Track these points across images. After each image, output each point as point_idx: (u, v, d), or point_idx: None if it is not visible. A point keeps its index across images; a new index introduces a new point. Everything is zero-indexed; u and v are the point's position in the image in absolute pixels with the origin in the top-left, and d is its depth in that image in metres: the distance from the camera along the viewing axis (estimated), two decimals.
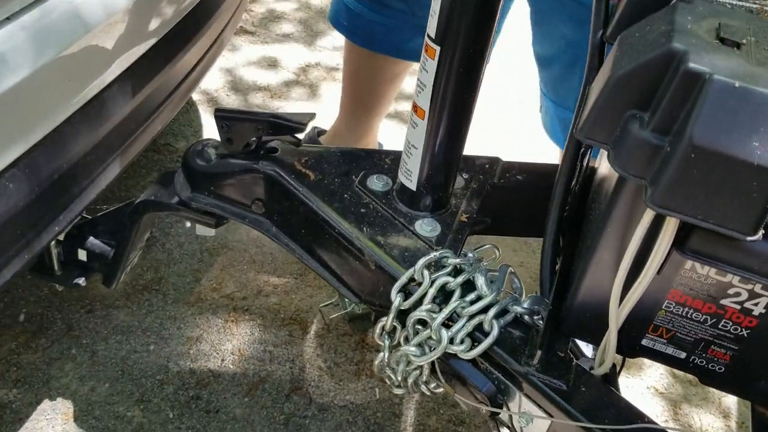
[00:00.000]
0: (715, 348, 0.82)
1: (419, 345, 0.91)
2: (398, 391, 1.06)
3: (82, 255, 1.38)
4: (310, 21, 3.11)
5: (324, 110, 2.58)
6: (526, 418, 0.87)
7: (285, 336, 1.77)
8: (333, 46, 2.95)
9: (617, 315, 0.80)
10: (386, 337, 0.99)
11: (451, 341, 0.88)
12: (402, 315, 0.94)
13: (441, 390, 0.99)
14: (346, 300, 1.80)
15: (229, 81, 2.66)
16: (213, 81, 2.63)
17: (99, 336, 1.69)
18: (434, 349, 0.90)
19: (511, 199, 1.17)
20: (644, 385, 1.79)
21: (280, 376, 1.67)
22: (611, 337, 0.82)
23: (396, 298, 0.93)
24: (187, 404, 1.58)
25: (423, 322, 0.92)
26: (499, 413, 0.89)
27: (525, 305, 0.90)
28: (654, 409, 1.75)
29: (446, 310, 0.88)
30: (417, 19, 1.58)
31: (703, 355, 0.83)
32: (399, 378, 0.98)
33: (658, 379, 1.80)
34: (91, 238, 1.37)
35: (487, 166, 1.16)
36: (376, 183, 1.08)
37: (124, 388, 1.59)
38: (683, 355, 0.84)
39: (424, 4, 0.89)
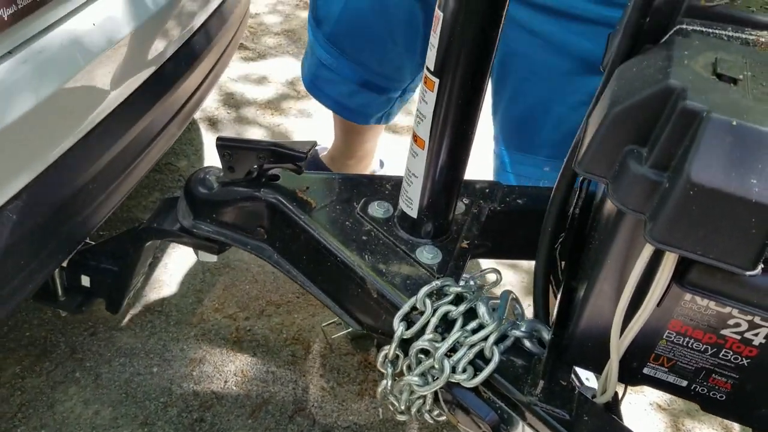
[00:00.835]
0: (716, 377, 0.82)
1: (422, 374, 0.92)
2: (402, 418, 1.07)
3: (86, 281, 1.38)
4: (297, 31, 3.12)
5: (317, 123, 2.59)
6: None
7: (288, 356, 1.77)
8: None
9: (618, 345, 0.80)
10: (389, 365, 1.00)
11: (453, 370, 0.89)
12: (404, 344, 0.94)
13: (444, 418, 1.00)
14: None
15: (224, 96, 2.68)
16: (210, 99, 2.64)
17: (102, 359, 1.69)
18: (437, 378, 0.90)
19: (511, 223, 1.18)
20: (647, 401, 1.79)
21: (283, 397, 1.67)
22: (613, 366, 0.83)
23: (398, 328, 0.94)
24: (191, 426, 1.58)
25: (425, 351, 0.92)
26: None
27: (523, 329, 0.90)
28: (656, 425, 1.75)
29: (449, 341, 0.89)
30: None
31: (705, 383, 0.83)
32: (402, 406, 0.98)
33: (660, 395, 1.80)
34: (95, 264, 1.37)
35: (487, 190, 1.17)
36: (378, 210, 1.09)
37: (128, 411, 1.59)
38: (684, 383, 0.84)
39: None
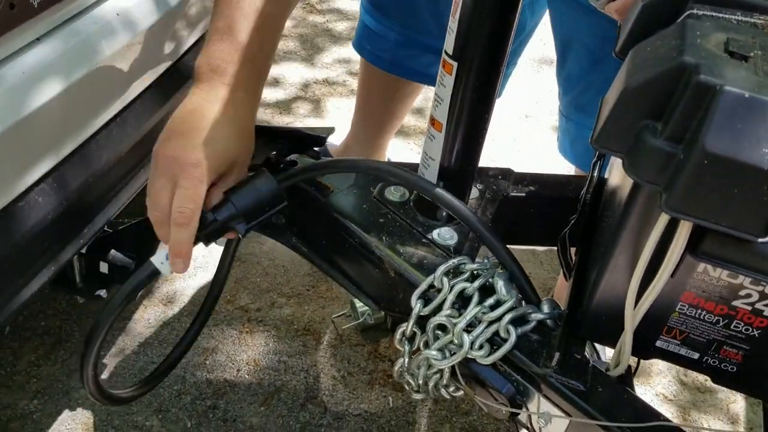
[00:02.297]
0: (727, 348, 0.85)
1: (440, 349, 0.94)
2: (417, 396, 1.09)
3: (104, 268, 1.41)
4: (311, 36, 3.16)
5: (329, 124, 2.62)
6: (545, 418, 0.90)
7: (299, 346, 1.79)
8: (334, 60, 3.00)
9: (632, 317, 0.83)
10: (406, 342, 1.02)
11: (471, 346, 0.91)
12: (421, 321, 0.97)
13: (460, 393, 1.02)
14: (359, 311, 1.83)
15: None
16: None
17: (117, 347, 1.72)
18: (455, 353, 0.93)
19: (524, 209, 1.20)
20: (653, 392, 1.81)
21: (294, 385, 1.70)
22: (627, 339, 0.85)
23: (416, 305, 0.96)
24: (204, 414, 1.61)
25: (442, 327, 0.95)
26: (519, 414, 0.92)
27: (545, 310, 0.93)
28: None
29: (467, 316, 0.91)
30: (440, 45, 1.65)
31: (716, 355, 0.86)
32: (419, 382, 1.00)
33: (667, 386, 1.82)
34: (113, 251, 1.40)
35: (500, 177, 1.19)
36: (394, 194, 1.12)
37: (142, 399, 1.61)
38: (696, 355, 0.87)
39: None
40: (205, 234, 0.96)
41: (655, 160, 0.71)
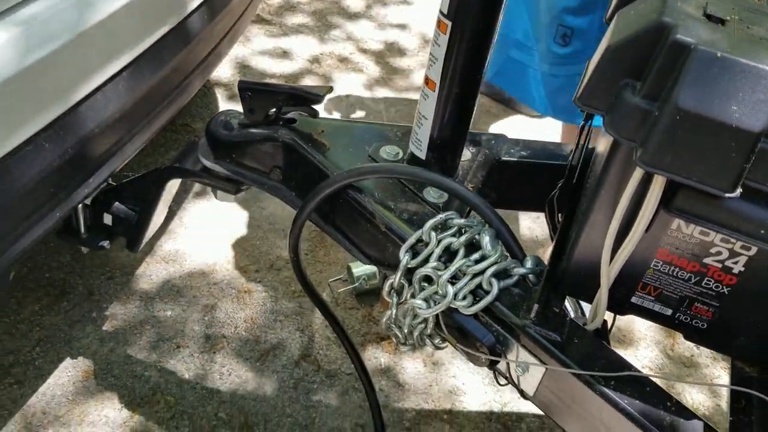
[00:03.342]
0: (698, 305, 0.88)
1: (425, 300, 0.98)
2: (404, 348, 1.13)
3: (108, 219, 1.45)
4: (324, 12, 3.18)
5: (336, 94, 2.65)
6: (523, 367, 0.94)
7: (295, 307, 1.84)
8: (345, 36, 3.03)
9: (608, 272, 0.87)
10: (394, 294, 1.06)
11: (454, 297, 0.95)
12: (409, 273, 1.01)
13: (445, 345, 1.06)
14: (354, 276, 1.88)
15: (244, 68, 2.74)
16: (228, 68, 2.71)
17: (119, 301, 1.77)
18: (439, 303, 0.97)
19: (514, 174, 1.24)
20: (639, 365, 1.85)
21: (290, 344, 1.75)
22: (603, 293, 0.89)
23: (404, 257, 1.00)
24: (201, 367, 1.66)
25: (428, 279, 0.99)
26: (498, 362, 0.96)
27: (528, 265, 0.97)
28: None
29: (452, 267, 0.95)
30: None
31: (688, 312, 0.90)
32: (405, 332, 1.04)
33: (653, 360, 1.87)
34: (117, 204, 1.44)
35: (492, 141, 1.23)
36: (388, 153, 1.15)
37: (142, 350, 1.67)
38: (669, 312, 0.91)
39: None
40: None
41: (633, 117, 0.75)
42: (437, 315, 1.00)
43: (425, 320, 1.02)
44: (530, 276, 0.97)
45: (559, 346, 0.91)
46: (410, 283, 1.03)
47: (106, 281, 1.81)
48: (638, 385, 0.87)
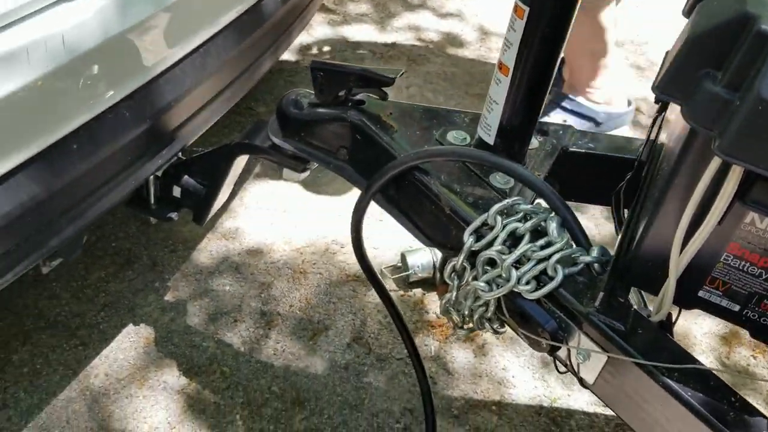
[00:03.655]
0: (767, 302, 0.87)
1: (487, 282, 0.99)
2: (461, 332, 1.15)
3: (177, 192, 1.50)
4: (386, 1, 3.20)
5: (399, 82, 2.67)
6: (584, 354, 0.94)
7: (349, 291, 1.87)
8: (407, 26, 3.04)
9: (677, 262, 0.86)
10: (455, 277, 1.07)
11: (518, 281, 0.96)
12: (472, 257, 1.02)
13: (504, 330, 1.07)
14: (408, 264, 1.89)
15: (307, 56, 2.78)
16: (290, 55, 2.75)
17: (180, 273, 1.83)
18: (501, 286, 0.97)
19: (580, 165, 1.23)
20: None
21: (342, 326, 1.77)
22: (671, 283, 0.88)
23: (468, 240, 1.01)
24: (256, 341, 1.70)
25: (492, 263, 1.00)
26: (559, 348, 0.96)
27: (593, 254, 0.97)
28: None
29: (518, 251, 0.96)
30: None
31: (756, 308, 0.88)
32: (465, 313, 1.05)
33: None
34: (186, 177, 1.49)
35: (560, 132, 1.23)
36: (455, 137, 1.16)
37: (200, 321, 1.72)
38: (737, 308, 0.90)
39: None
40: None
41: (712, 106, 0.74)
42: (499, 298, 1.00)
43: (486, 303, 1.02)
44: (595, 265, 0.97)
45: (622, 335, 0.90)
46: (472, 266, 1.04)
47: (168, 254, 1.87)
48: (702, 378, 0.87)
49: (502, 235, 1.00)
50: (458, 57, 2.89)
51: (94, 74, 1.06)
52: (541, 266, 0.96)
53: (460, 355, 1.75)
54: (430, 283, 1.90)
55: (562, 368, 1.01)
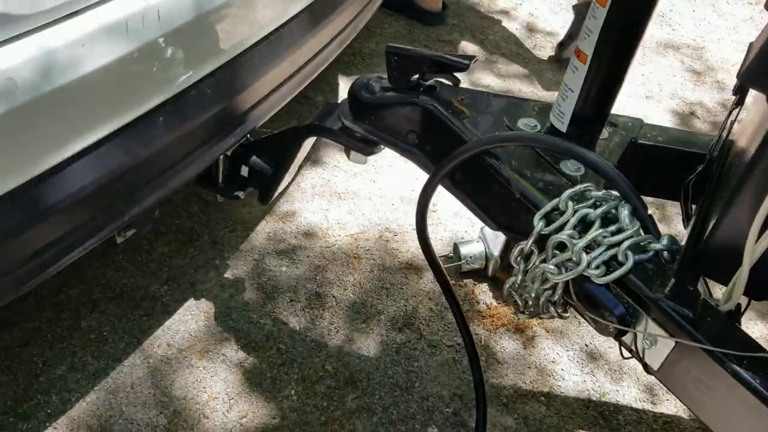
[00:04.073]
0: None
1: (557, 265, 1.01)
2: (522, 317, 1.17)
3: (244, 171, 1.55)
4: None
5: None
6: (651, 340, 0.95)
7: (401, 278, 1.90)
8: (464, 26, 3.05)
9: (752, 251, 0.87)
10: (521, 261, 1.10)
11: (588, 265, 0.98)
12: (541, 240, 1.04)
13: (567, 315, 1.09)
14: (461, 254, 1.91)
15: (366, 48, 2.81)
16: (349, 49, 2.79)
17: (240, 253, 1.88)
18: (571, 270, 0.99)
19: (649, 159, 1.24)
20: None
21: (394, 311, 1.80)
22: (744, 272, 0.89)
23: (538, 224, 1.04)
24: (311, 321, 1.74)
25: (562, 247, 1.02)
26: (625, 333, 0.98)
27: (664, 242, 0.98)
28: None
29: (589, 236, 0.98)
30: None
31: None
32: (532, 296, 1.07)
33: None
34: (254, 157, 1.54)
35: (630, 124, 1.24)
36: (526, 124, 1.19)
37: (258, 299, 1.77)
38: None
39: None
40: None
41: None
42: (567, 282, 1.02)
43: (554, 286, 1.04)
44: (665, 253, 0.99)
45: (691, 322, 0.92)
46: (541, 249, 1.06)
47: (228, 233, 1.92)
48: None
49: (573, 220, 1.02)
50: (518, 56, 2.89)
51: (183, 50, 1.11)
52: (611, 252, 0.98)
53: (509, 346, 1.76)
54: (482, 274, 1.92)
55: (626, 354, 1.03)
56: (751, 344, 0.91)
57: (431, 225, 2.07)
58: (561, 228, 1.02)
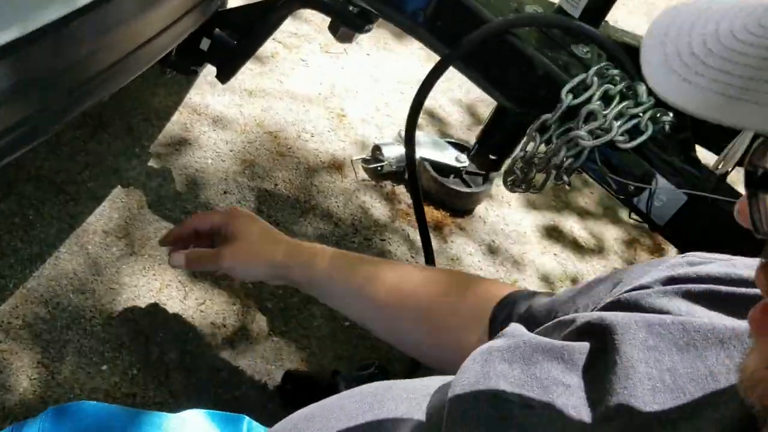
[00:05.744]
0: None
1: (589, 132, 1.13)
2: (518, 190, 1.28)
3: (205, 45, 1.44)
4: None
5: None
6: (663, 197, 1.11)
7: (327, 176, 1.91)
8: None
9: None
10: (537, 135, 1.20)
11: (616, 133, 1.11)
12: (569, 111, 1.15)
13: (569, 182, 1.21)
14: (384, 155, 1.97)
15: None
16: None
17: (160, 143, 1.74)
18: (601, 137, 1.12)
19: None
20: None
21: (327, 206, 1.82)
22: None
23: (568, 96, 1.14)
24: (253, 211, 1.69)
25: (591, 116, 1.13)
26: (644, 190, 1.13)
27: (670, 116, 1.14)
28: None
29: (619, 106, 1.11)
30: None
31: None
32: (556, 162, 1.17)
33: None
34: (218, 30, 1.43)
35: None
36: (535, 10, 1.27)
37: (190, 191, 1.67)
38: None
39: None
40: None
41: None
42: (593, 149, 1.14)
43: (578, 153, 1.16)
44: (673, 124, 1.15)
45: (699, 180, 1.09)
46: (562, 122, 1.17)
47: (143, 122, 1.77)
48: None
49: (598, 94, 1.13)
50: None
51: None
52: (635, 121, 1.12)
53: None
54: (400, 177, 2.00)
55: (635, 216, 1.19)
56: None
57: (341, 129, 2.09)
58: (588, 100, 1.13)
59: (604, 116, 1.11)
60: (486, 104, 2.34)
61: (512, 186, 1.30)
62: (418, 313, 1.00)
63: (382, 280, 1.04)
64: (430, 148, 2.00)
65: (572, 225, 2.16)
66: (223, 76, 1.48)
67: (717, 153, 1.16)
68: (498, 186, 2.05)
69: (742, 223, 0.40)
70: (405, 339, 1.04)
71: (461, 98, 2.42)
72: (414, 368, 1.41)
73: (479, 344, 0.67)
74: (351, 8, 1.32)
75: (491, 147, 1.38)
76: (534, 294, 0.87)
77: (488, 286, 0.99)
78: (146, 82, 1.83)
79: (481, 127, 1.41)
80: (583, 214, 2.22)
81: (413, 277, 1.07)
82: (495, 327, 0.87)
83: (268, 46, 2.17)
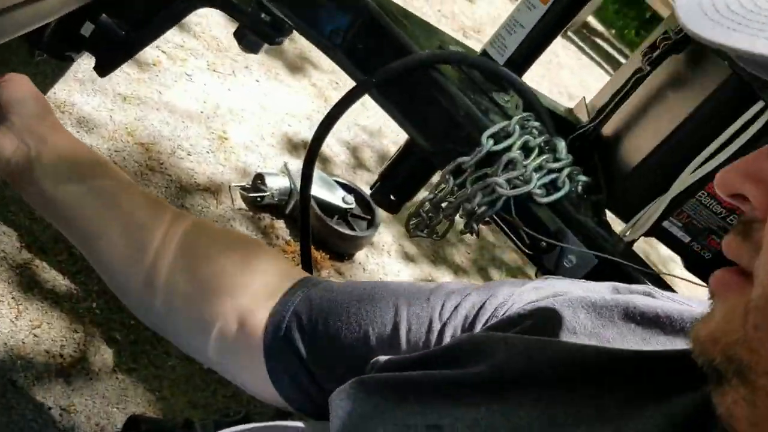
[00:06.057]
0: (714, 237, 1.12)
1: (507, 181, 1.07)
2: (422, 234, 1.20)
3: (86, 30, 1.25)
4: None
5: None
6: (573, 257, 1.07)
7: (201, 200, 1.74)
8: None
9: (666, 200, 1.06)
10: (450, 178, 1.13)
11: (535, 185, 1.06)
12: (488, 157, 1.09)
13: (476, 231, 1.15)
14: (267, 185, 1.84)
15: None
16: None
17: None
18: (519, 187, 1.06)
19: None
20: None
21: None
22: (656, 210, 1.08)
23: (488, 141, 1.08)
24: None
25: (510, 165, 1.08)
26: (555, 248, 1.08)
27: (585, 177, 1.12)
28: None
29: (538, 160, 1.06)
30: None
31: (703, 242, 1.12)
32: (471, 207, 1.10)
33: None
34: (105, 16, 1.25)
35: None
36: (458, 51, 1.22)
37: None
38: (687, 239, 1.13)
39: None
40: None
41: None
42: (508, 199, 1.09)
43: (494, 201, 1.10)
44: (586, 185, 1.13)
45: (610, 243, 1.07)
46: (477, 167, 1.11)
47: None
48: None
49: (519, 143, 1.09)
50: None
51: None
52: (553, 176, 1.08)
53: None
54: (280, 211, 1.87)
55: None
56: (649, 267, 1.10)
57: (221, 152, 1.94)
58: (509, 148, 1.08)
59: (524, 166, 1.07)
60: (372, 150, 2.27)
61: (415, 229, 1.22)
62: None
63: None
64: (317, 185, 1.89)
65: (447, 280, 2.12)
66: (102, 69, 1.29)
67: (625, 221, 1.15)
68: (380, 234, 1.97)
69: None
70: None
71: (349, 140, 2.34)
72: (281, 418, 1.26)
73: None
74: (263, 16, 1.21)
75: (394, 187, 1.31)
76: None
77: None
78: (4, 64, 1.58)
79: (385, 163, 1.33)
80: (458, 270, 2.19)
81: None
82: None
83: (150, 53, 1.99)
